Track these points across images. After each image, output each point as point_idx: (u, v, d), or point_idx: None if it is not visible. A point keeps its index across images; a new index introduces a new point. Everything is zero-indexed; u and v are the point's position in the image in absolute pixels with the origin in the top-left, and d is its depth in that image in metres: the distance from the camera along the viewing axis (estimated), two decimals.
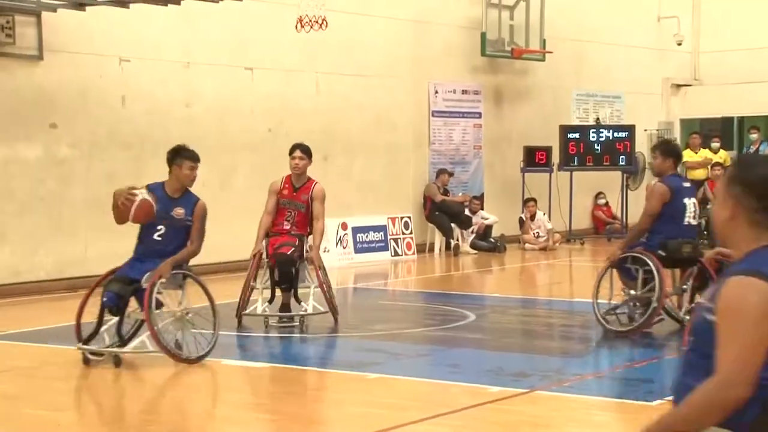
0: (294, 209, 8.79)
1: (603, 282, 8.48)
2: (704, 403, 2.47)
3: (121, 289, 7.07)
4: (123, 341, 6.99)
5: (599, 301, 8.49)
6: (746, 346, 2.44)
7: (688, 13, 20.60)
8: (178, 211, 7.34)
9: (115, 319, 7.08)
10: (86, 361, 7.05)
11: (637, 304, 8.28)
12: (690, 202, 8.37)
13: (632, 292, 8.26)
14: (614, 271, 8.49)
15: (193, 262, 12.90)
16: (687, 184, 8.63)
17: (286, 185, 8.87)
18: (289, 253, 8.56)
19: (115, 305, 7.07)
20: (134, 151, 12.30)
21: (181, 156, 7.47)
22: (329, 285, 8.83)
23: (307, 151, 8.91)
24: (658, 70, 20.22)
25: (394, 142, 15.58)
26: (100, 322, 7.08)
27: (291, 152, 8.94)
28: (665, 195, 8.16)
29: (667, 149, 8.45)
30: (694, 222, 8.44)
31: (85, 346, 7.02)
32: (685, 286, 8.51)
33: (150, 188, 7.35)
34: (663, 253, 8.17)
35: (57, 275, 11.57)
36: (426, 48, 15.92)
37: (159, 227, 7.27)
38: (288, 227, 8.77)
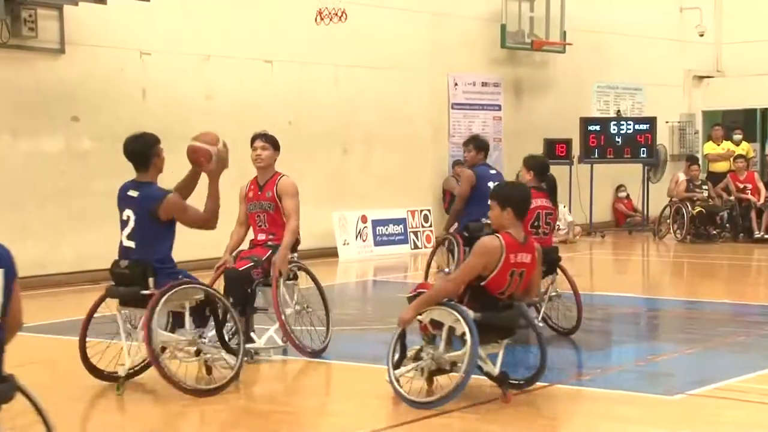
0: (262, 212, 7.28)
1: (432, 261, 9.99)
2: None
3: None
4: (224, 339, 6.37)
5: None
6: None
7: (710, 4, 20.44)
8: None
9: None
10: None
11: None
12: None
13: (446, 270, 9.40)
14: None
15: (206, 255, 13.00)
16: (493, 172, 9.46)
17: (252, 186, 7.41)
18: (242, 268, 7.05)
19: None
20: None
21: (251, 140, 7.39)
22: (305, 305, 7.25)
23: (271, 140, 7.49)
24: (680, 61, 20.09)
25: (413, 134, 15.57)
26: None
27: (252, 143, 7.54)
28: (472, 179, 9.15)
29: (479, 144, 9.48)
30: None
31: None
32: None
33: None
34: (466, 234, 8.99)
35: (80, 267, 11.64)
36: (445, 40, 15.89)
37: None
38: (263, 238, 7.26)
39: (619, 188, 18.58)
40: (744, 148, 17.44)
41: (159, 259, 6.33)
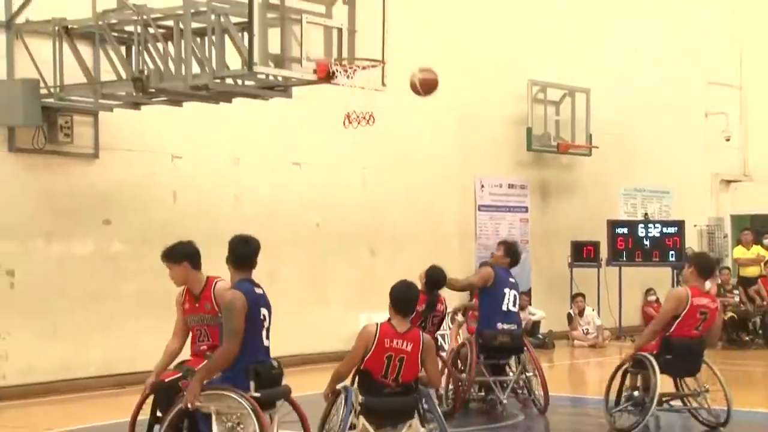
0: (203, 325, 6.66)
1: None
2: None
3: None
4: None
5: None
6: None
7: (736, 110, 20.61)
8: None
9: None
10: None
11: None
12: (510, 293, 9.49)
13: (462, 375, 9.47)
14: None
15: None
16: (512, 280, 9.64)
17: (187, 297, 6.81)
18: (168, 379, 6.51)
19: None
20: None
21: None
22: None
23: (169, 257, 6.85)
24: (707, 165, 20.15)
25: (440, 235, 15.61)
26: None
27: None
28: (489, 276, 9.60)
29: (510, 249, 9.83)
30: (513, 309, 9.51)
31: None
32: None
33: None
34: (480, 341, 9.39)
35: (106, 371, 11.62)
36: (472, 143, 16.07)
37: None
38: (204, 348, 6.62)
39: (648, 291, 18.43)
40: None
41: None
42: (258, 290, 6.21)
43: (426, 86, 8.62)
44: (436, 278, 9.27)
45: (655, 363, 8.16)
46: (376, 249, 14.58)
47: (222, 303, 6.17)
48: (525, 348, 9.53)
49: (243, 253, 6.28)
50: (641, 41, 18.71)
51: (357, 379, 6.61)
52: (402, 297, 6.71)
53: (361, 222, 14.45)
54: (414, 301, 6.79)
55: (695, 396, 8.45)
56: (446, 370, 9.16)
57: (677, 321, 8.17)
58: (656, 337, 8.31)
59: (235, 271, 6.25)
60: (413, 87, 9.51)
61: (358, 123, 12.80)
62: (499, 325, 9.32)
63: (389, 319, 6.65)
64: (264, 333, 6.14)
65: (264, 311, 6.15)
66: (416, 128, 15.13)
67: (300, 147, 13.72)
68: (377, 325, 6.62)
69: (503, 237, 16.66)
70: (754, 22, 20.82)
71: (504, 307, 9.41)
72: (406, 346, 6.52)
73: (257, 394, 5.98)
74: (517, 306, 9.64)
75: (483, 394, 9.52)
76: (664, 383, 8.35)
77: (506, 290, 9.43)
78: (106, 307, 11.71)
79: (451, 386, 9.29)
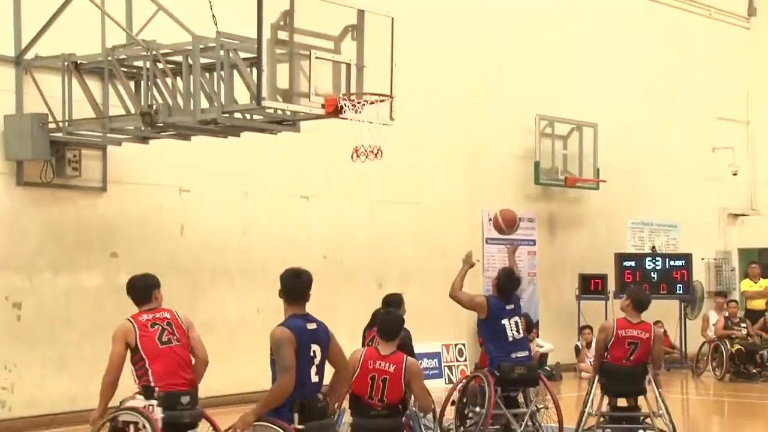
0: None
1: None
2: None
3: None
4: None
5: None
6: None
7: (743, 144, 20.65)
8: None
9: None
10: None
11: None
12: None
13: (476, 408, 9.30)
14: None
15: (243, 389, 12.89)
16: (509, 306, 9.40)
17: None
18: None
19: None
20: (191, 279, 12.45)
21: None
22: None
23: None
24: (714, 199, 20.14)
25: (448, 269, 15.51)
26: None
27: None
28: (481, 306, 9.56)
29: (502, 279, 9.70)
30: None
31: None
32: None
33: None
34: (497, 374, 9.19)
35: (112, 403, 11.55)
36: (480, 176, 16.09)
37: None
38: None
39: (655, 324, 18.27)
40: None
41: None
42: (310, 325, 6.14)
43: (507, 221, 9.75)
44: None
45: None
46: (383, 282, 14.55)
47: (272, 341, 6.10)
48: (539, 380, 9.48)
49: (294, 286, 6.24)
50: (649, 76, 18.78)
51: (349, 401, 7.08)
52: (385, 323, 7.35)
53: (369, 255, 14.45)
54: (397, 327, 7.32)
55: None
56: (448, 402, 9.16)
57: (609, 349, 9.30)
58: (598, 363, 9.45)
59: (287, 306, 6.21)
60: (496, 223, 10.35)
61: (366, 157, 12.86)
62: (513, 355, 9.25)
63: (376, 344, 7.28)
64: (313, 369, 6.09)
65: (315, 347, 6.10)
66: (424, 162, 15.17)
67: (308, 181, 13.76)
68: (363, 349, 7.34)
69: None
70: (761, 58, 20.89)
71: (509, 337, 9.32)
72: (389, 367, 7.04)
73: (301, 427, 6.00)
74: (521, 332, 9.45)
75: (498, 428, 9.42)
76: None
77: (504, 321, 9.32)
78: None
79: (457, 422, 9.22)
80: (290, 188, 13.58)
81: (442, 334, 15.23)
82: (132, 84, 10.55)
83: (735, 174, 19.95)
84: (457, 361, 15.23)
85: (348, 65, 9.61)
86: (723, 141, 20.13)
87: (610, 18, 18.30)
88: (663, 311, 18.11)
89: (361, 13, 9.66)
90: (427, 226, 15.25)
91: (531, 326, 11.35)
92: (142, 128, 10.27)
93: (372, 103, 9.53)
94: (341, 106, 9.39)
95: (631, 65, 18.46)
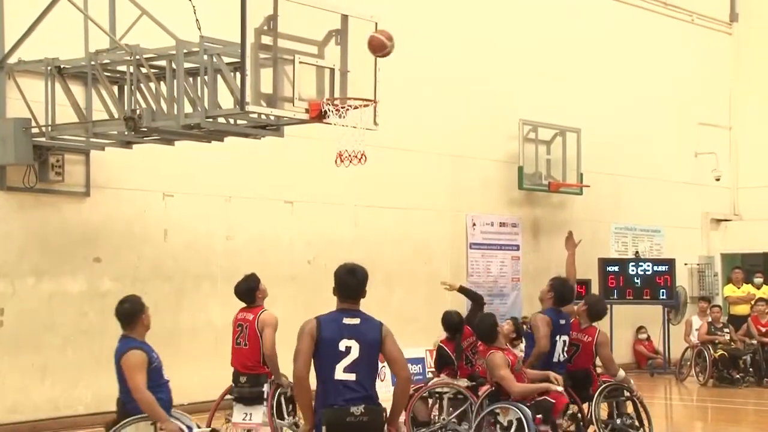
0: None
1: None
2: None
3: None
4: None
5: None
6: None
7: (725, 149, 20.76)
8: None
9: None
10: None
11: None
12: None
13: None
14: None
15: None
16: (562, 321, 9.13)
17: None
18: None
19: None
20: (175, 284, 12.43)
21: None
22: None
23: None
24: (698, 204, 20.24)
25: (432, 273, 15.60)
26: None
27: None
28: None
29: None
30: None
31: None
32: None
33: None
34: None
35: (95, 409, 11.53)
36: (464, 181, 16.12)
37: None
38: None
39: (639, 330, 18.41)
40: (765, 291, 17.34)
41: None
42: (350, 320, 5.63)
43: (373, 46, 8.96)
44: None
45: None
46: (368, 287, 14.53)
47: None
48: None
49: (346, 283, 5.85)
50: (632, 81, 18.87)
51: None
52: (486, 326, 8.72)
53: (353, 260, 14.29)
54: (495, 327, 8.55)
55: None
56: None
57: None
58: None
59: (337, 302, 5.82)
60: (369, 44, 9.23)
61: (350, 162, 12.87)
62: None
63: None
64: (340, 365, 5.43)
65: (349, 342, 5.52)
66: (408, 167, 15.18)
67: (292, 185, 13.75)
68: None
69: (494, 275, 16.71)
70: (743, 63, 21.02)
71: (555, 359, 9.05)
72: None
73: None
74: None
75: None
76: None
77: (556, 338, 8.99)
78: (96, 345, 11.64)
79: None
80: (274, 193, 13.58)
81: (426, 340, 15.22)
82: (115, 88, 10.52)
83: (718, 179, 20.05)
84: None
85: (332, 70, 9.61)
86: (706, 146, 20.24)
87: (594, 24, 18.38)
88: (646, 316, 18.20)
89: (344, 18, 9.67)
90: (411, 231, 15.26)
91: (519, 332, 11.29)
92: (126, 133, 10.25)
93: (356, 108, 9.53)
94: (325, 111, 9.39)
95: (615, 71, 18.53)
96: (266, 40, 9.24)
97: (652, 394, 15.60)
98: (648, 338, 18.36)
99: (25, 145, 10.63)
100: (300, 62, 9.31)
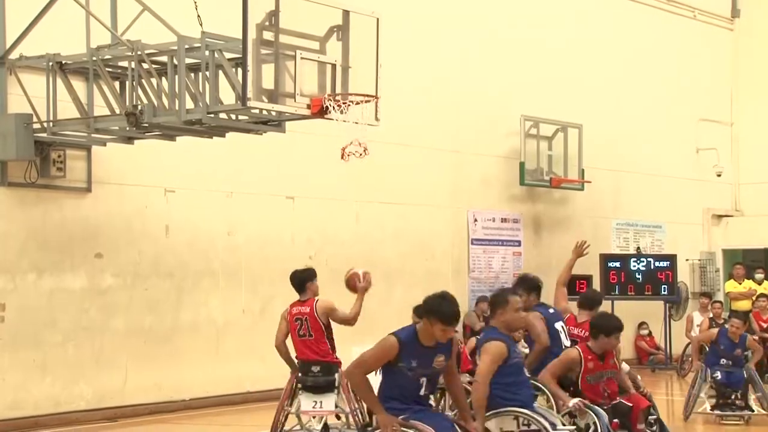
0: None
1: None
2: None
3: None
4: None
5: None
6: None
7: (727, 145, 20.73)
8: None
9: None
10: None
11: None
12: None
13: None
14: None
15: (229, 390, 12.82)
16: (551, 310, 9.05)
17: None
18: None
19: None
20: (176, 280, 12.42)
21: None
22: None
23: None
24: (699, 200, 20.22)
25: (433, 269, 15.59)
26: None
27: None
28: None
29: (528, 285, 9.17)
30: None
31: None
32: None
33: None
34: None
35: (96, 405, 11.54)
36: (465, 177, 16.10)
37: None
38: None
39: (640, 325, 18.40)
40: (766, 287, 17.33)
41: None
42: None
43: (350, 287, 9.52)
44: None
45: None
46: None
47: None
48: None
49: (446, 310, 6.06)
50: (634, 77, 18.84)
51: None
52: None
53: (354, 256, 14.41)
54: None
55: None
56: None
57: None
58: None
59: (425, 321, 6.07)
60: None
61: (351, 155, 12.84)
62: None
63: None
64: (414, 386, 6.00)
65: (416, 364, 5.94)
66: (410, 163, 15.16)
67: (293, 181, 13.73)
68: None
69: (496, 271, 16.71)
70: (744, 59, 20.99)
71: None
72: None
73: None
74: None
75: None
76: None
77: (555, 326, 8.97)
78: (96, 341, 11.65)
79: None
80: (275, 189, 13.56)
81: None
82: (117, 84, 10.51)
83: (719, 175, 20.03)
84: None
85: (333, 66, 9.59)
86: (707, 142, 20.22)
87: (595, 19, 18.34)
88: (648, 312, 18.18)
89: (346, 14, 9.65)
90: (412, 227, 15.24)
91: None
92: (127, 128, 10.23)
93: (357, 103, 9.51)
94: (327, 107, 9.38)
95: (616, 66, 18.50)
96: (268, 35, 9.22)
97: (654, 390, 15.54)
98: (649, 334, 18.35)
99: (27, 141, 10.61)
100: (302, 58, 9.30)
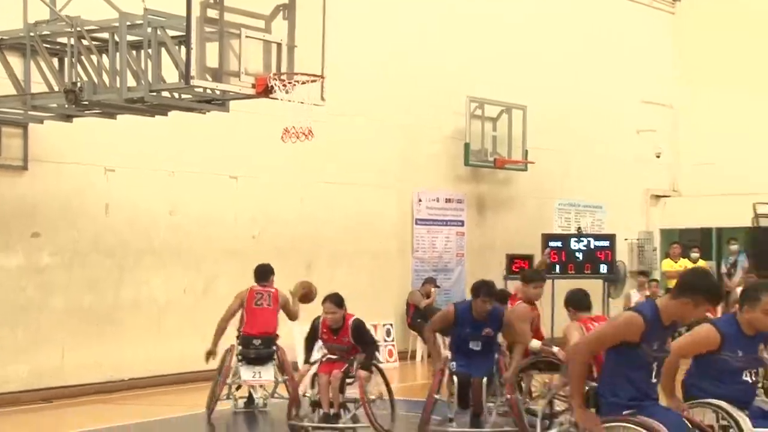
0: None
1: None
2: None
3: None
4: None
5: None
6: None
7: (667, 127, 21.02)
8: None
9: None
10: None
11: None
12: None
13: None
14: None
15: (171, 370, 12.70)
16: None
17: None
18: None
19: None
20: (116, 259, 12.25)
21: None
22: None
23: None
24: (639, 181, 20.50)
25: (377, 249, 15.60)
26: None
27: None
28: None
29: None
30: None
31: None
32: None
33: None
34: None
35: (32, 386, 11.36)
36: (410, 157, 16.10)
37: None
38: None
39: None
40: (701, 266, 17.67)
41: None
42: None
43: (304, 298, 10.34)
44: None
45: None
46: (312, 263, 14.50)
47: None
48: None
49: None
50: (577, 59, 18.97)
51: None
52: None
53: (298, 235, 14.37)
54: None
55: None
56: None
57: None
58: None
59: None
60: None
61: (297, 137, 12.74)
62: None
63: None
64: (646, 373, 5.42)
65: (656, 347, 5.44)
66: (355, 143, 15.11)
67: (237, 161, 13.61)
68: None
69: (439, 251, 16.77)
70: (685, 42, 21.25)
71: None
72: None
73: None
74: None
75: None
76: None
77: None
78: (33, 320, 11.46)
79: None
80: (218, 168, 13.42)
81: (370, 314, 15.21)
82: (55, 61, 10.26)
83: (658, 156, 20.32)
84: (385, 341, 15.27)
85: (279, 45, 9.47)
86: (647, 124, 20.48)
87: (540, 2, 18.42)
88: (587, 290, 18.38)
89: None
90: (357, 207, 15.22)
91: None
92: (66, 106, 10.01)
93: (303, 83, 9.42)
94: (271, 86, 9.27)
95: (560, 48, 18.61)
96: (212, 13, 9.07)
97: None
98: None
99: None
100: (246, 36, 9.17)
